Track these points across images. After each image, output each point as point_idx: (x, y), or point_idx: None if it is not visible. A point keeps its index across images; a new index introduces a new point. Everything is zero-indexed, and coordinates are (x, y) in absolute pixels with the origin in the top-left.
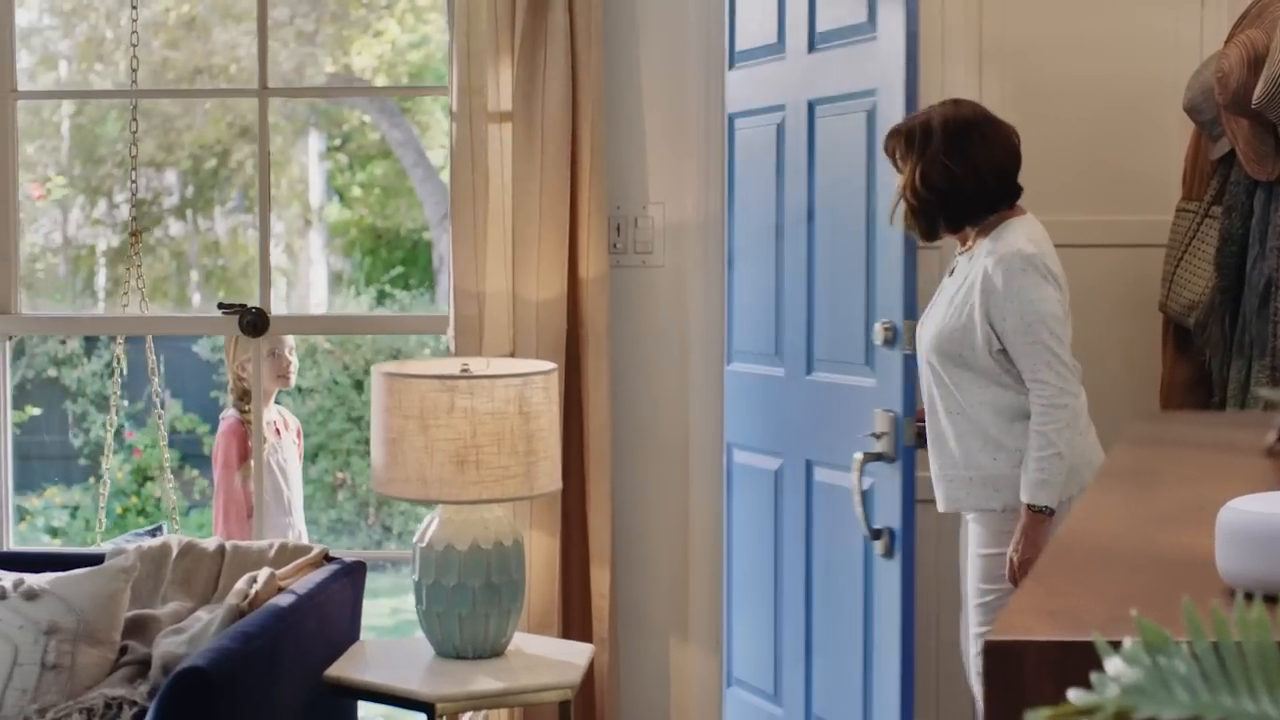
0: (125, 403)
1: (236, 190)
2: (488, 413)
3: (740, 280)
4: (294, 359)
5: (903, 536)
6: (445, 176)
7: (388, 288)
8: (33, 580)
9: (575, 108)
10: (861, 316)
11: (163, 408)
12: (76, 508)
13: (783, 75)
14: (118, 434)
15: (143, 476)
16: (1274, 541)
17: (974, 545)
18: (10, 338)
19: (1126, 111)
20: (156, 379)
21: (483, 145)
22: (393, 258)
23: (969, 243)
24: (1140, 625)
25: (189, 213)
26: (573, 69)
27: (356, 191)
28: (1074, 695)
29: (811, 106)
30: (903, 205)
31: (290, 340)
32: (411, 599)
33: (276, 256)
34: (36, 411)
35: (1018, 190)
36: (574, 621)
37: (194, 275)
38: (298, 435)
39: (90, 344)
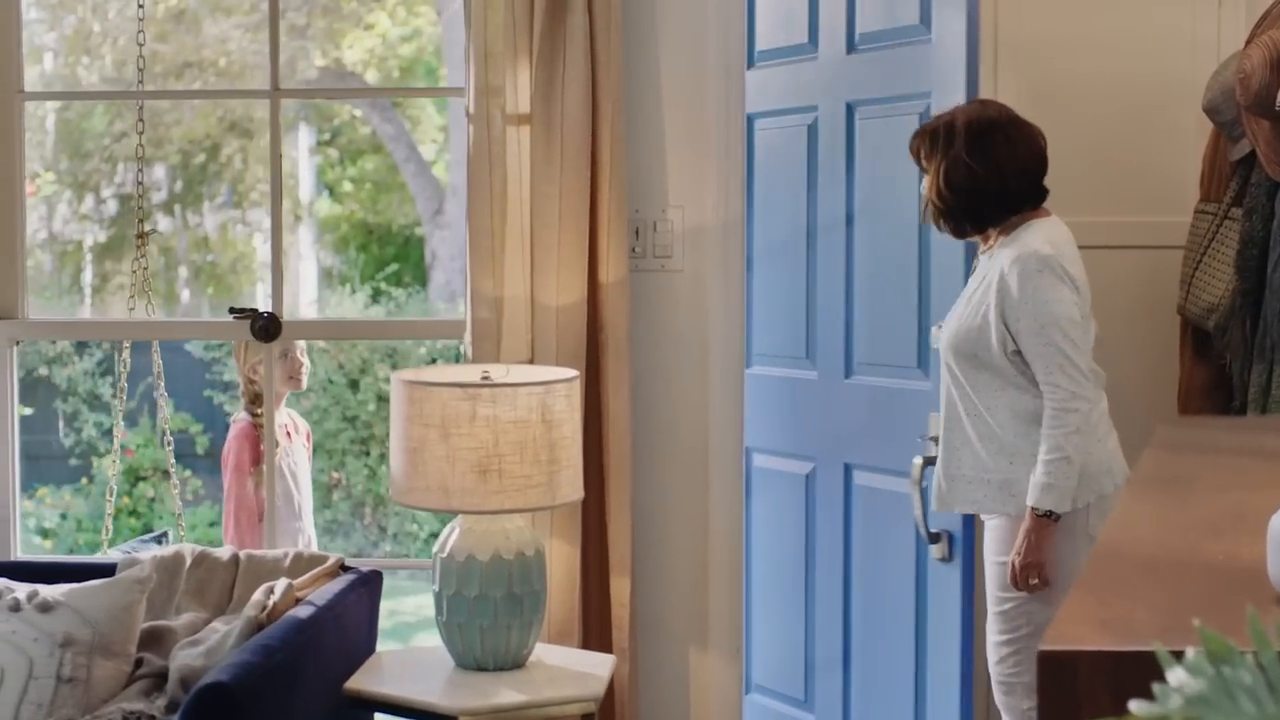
0: (119, 403)
1: (226, 185)
2: (510, 421)
3: (762, 283)
4: (305, 360)
5: (963, 540)
6: (438, 171)
7: (383, 285)
8: (47, 592)
9: (595, 110)
10: (913, 320)
11: (170, 413)
12: (67, 512)
13: (814, 76)
14: (109, 434)
15: (135, 477)
16: None
17: (990, 552)
18: (17, 342)
19: (1142, 111)
20: (161, 384)
21: (501, 148)
22: (384, 254)
23: (990, 242)
24: (1203, 635)
25: (177, 208)
26: (592, 70)
27: (347, 186)
28: (1136, 706)
29: (851, 108)
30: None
31: (301, 341)
32: (410, 602)
33: (265, 253)
34: (28, 411)
35: (1043, 192)
36: (593, 631)
37: (183, 271)
38: (307, 439)
39: (81, 343)
